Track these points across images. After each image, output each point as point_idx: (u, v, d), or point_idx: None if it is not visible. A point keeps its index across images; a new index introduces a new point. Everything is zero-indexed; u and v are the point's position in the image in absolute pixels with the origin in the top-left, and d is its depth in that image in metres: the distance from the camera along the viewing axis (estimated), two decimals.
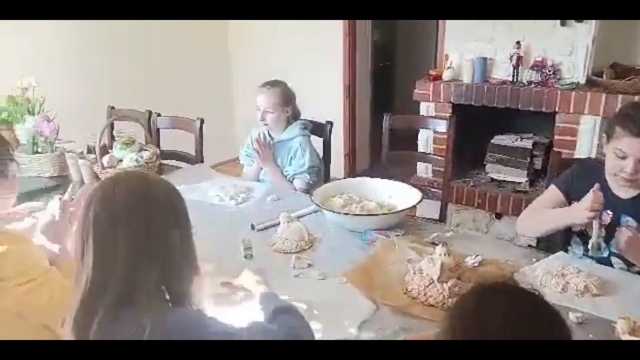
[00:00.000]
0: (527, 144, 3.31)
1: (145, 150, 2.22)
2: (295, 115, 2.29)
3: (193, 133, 2.58)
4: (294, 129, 2.23)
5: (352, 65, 3.96)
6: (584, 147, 2.84)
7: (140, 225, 0.89)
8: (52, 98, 2.40)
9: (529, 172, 3.28)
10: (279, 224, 1.65)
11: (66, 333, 0.90)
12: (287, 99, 2.22)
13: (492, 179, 3.40)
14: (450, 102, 3.20)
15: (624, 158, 1.38)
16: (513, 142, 3.34)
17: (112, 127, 2.71)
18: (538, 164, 3.31)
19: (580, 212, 1.42)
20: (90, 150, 2.22)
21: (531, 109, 2.94)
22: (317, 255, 1.53)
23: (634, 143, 1.34)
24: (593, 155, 2.81)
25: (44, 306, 1.11)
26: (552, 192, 1.59)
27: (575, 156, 2.86)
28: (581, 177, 1.55)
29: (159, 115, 2.68)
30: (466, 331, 0.72)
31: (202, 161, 2.54)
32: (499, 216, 3.33)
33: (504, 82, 3.05)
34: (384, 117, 2.42)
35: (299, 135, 2.22)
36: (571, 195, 1.55)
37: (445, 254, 1.33)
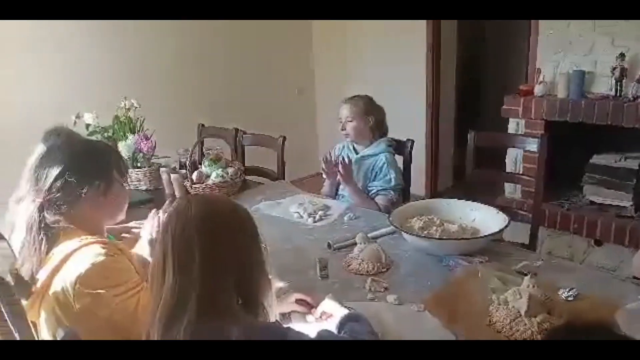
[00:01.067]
0: (632, 164, 3.00)
1: (231, 166, 2.32)
2: (382, 130, 2.27)
3: (275, 150, 2.65)
4: (380, 144, 2.22)
5: (435, 81, 3.86)
6: None
7: (213, 242, 0.94)
8: (151, 117, 2.60)
9: (635, 195, 2.97)
10: (355, 244, 1.63)
11: None
12: (368, 109, 2.22)
13: (591, 202, 3.12)
14: (543, 118, 3.00)
15: None
16: (615, 162, 3.04)
17: (202, 143, 2.88)
18: None
19: None
20: (182, 166, 2.37)
21: (637, 126, 2.66)
22: (394, 279, 1.48)
23: None
24: None
25: (137, 317, 1.15)
26: None
27: None
28: None
29: (244, 133, 2.80)
30: None
31: (283, 177, 2.60)
32: (598, 243, 3.04)
33: (605, 97, 2.80)
34: (469, 134, 2.32)
35: (385, 151, 2.20)
36: None
37: (534, 286, 1.23)
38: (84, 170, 1.23)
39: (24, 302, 1.17)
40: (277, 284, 1.07)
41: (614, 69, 2.76)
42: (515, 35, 4.40)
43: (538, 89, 3.04)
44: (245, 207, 1.05)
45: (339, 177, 2.16)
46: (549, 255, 2.97)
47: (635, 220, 2.86)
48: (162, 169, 2.39)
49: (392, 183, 2.15)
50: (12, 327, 1.05)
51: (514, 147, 3.05)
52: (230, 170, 2.27)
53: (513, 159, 3.23)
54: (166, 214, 1.00)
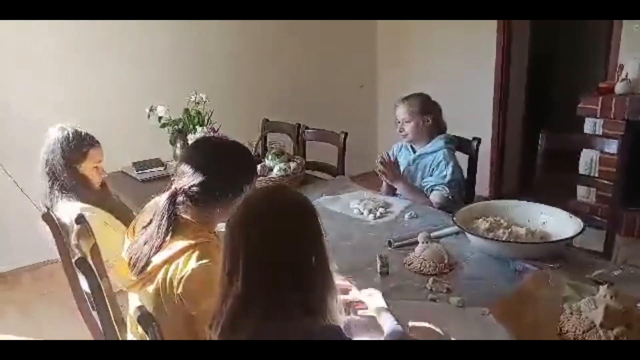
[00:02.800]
0: None
1: (293, 161, 2.36)
2: (440, 128, 2.22)
3: (336, 145, 2.66)
4: (438, 142, 2.17)
5: (504, 79, 3.70)
6: None
7: (281, 237, 0.94)
8: (218, 111, 2.69)
9: None
10: (417, 242, 1.60)
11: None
12: (426, 107, 2.17)
13: None
14: (624, 118, 2.79)
15: None
16: None
17: (265, 138, 2.94)
18: None
19: None
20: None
21: None
22: (457, 281, 1.44)
23: None
24: None
25: None
26: None
27: None
28: None
29: (306, 128, 2.83)
30: None
31: (343, 173, 2.61)
32: None
33: None
34: (540, 135, 2.21)
35: (443, 147, 2.15)
36: None
37: (612, 296, 1.15)
38: (228, 178, 1.27)
39: (132, 277, 1.23)
40: (338, 281, 1.05)
41: None
42: (591, 31, 4.14)
43: (619, 87, 2.83)
44: (309, 199, 1.04)
45: (383, 178, 2.14)
46: (625, 264, 2.79)
47: None
48: None
49: (448, 179, 2.08)
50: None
51: (589, 148, 2.88)
52: (292, 164, 2.30)
53: (587, 161, 3.03)
54: (235, 210, 1.00)
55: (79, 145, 1.76)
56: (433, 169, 2.15)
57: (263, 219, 0.95)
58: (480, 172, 2.38)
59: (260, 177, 2.22)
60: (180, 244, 1.21)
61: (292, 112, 3.24)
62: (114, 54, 3.17)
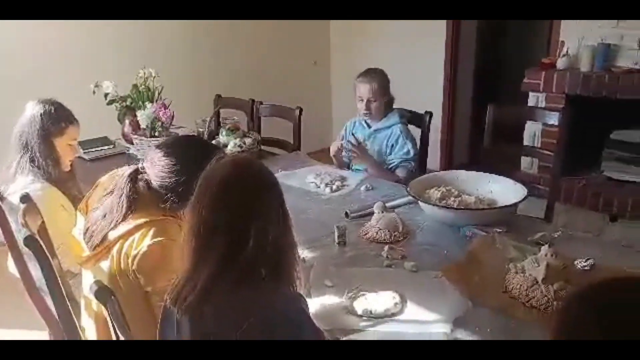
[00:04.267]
0: None
1: (248, 137, 2.33)
2: (390, 103, 2.26)
3: (291, 121, 2.66)
4: (393, 116, 2.21)
5: (454, 54, 3.80)
6: None
7: (243, 201, 0.94)
8: (168, 87, 2.61)
9: None
10: (373, 213, 1.64)
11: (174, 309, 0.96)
12: (386, 85, 2.21)
13: (609, 178, 3.08)
14: (564, 92, 2.94)
15: None
16: (638, 138, 2.99)
17: (219, 114, 2.89)
18: None
19: None
20: (199, 135, 2.39)
21: None
22: (411, 248, 1.50)
23: None
24: None
25: None
26: None
27: None
28: None
29: (261, 103, 2.80)
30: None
31: (299, 149, 2.61)
32: (614, 219, 3.02)
33: (630, 71, 2.73)
34: (488, 108, 2.29)
35: (398, 122, 2.20)
36: None
37: (552, 255, 1.24)
38: (194, 174, 1.17)
39: (86, 252, 1.21)
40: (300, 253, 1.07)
41: None
42: None
43: (560, 62, 2.98)
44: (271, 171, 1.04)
45: (353, 159, 2.17)
46: (564, 228, 2.98)
47: None
48: None
49: (411, 154, 2.15)
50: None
51: (533, 120, 3.02)
52: (247, 140, 2.28)
53: (531, 134, 3.19)
54: (203, 175, 0.99)
55: (59, 119, 1.72)
56: (392, 145, 2.20)
57: (229, 190, 0.95)
58: (431, 145, 2.45)
59: None
60: (138, 220, 1.19)
61: (246, 88, 3.19)
62: (56, 27, 2.99)
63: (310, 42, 4.33)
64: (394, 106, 2.29)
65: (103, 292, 0.97)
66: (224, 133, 2.28)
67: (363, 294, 1.24)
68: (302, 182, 2.08)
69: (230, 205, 0.94)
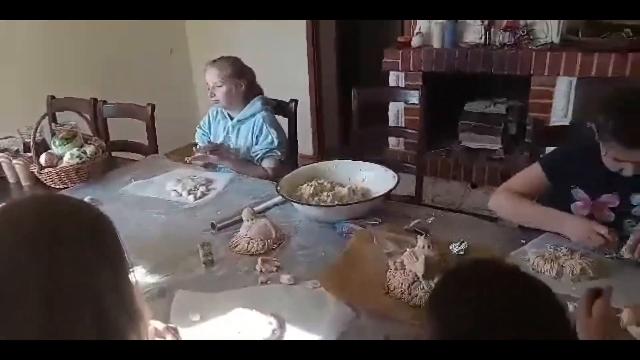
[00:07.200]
0: (501, 109, 3.20)
1: (90, 144, 1.99)
2: (254, 92, 2.10)
3: (144, 120, 2.34)
4: (255, 104, 2.05)
5: (315, 40, 3.74)
6: (560, 111, 2.74)
7: (52, 261, 0.69)
8: None
9: (504, 138, 3.18)
10: (241, 221, 1.47)
11: None
12: (238, 71, 2.03)
13: (467, 148, 3.29)
14: (421, 70, 3.04)
15: (620, 162, 1.22)
16: (486, 108, 3.22)
17: (54, 119, 2.45)
18: (512, 129, 3.22)
19: (579, 231, 1.25)
20: (27, 148, 1.98)
21: (505, 72, 2.81)
22: (287, 256, 1.36)
23: (631, 154, 1.18)
24: (569, 117, 2.72)
25: None
26: (535, 172, 1.43)
27: (552, 119, 2.76)
28: (572, 160, 1.38)
29: (104, 103, 2.43)
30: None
31: (156, 151, 2.32)
32: (474, 186, 3.24)
33: (476, 46, 2.90)
34: (352, 91, 2.25)
35: (261, 110, 2.04)
36: (556, 179, 1.41)
37: (429, 246, 1.19)
38: None
39: None
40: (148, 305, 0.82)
41: None
42: None
43: (415, 41, 3.06)
44: (97, 208, 0.76)
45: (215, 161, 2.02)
46: (432, 202, 3.12)
47: (505, 163, 3.07)
48: (0, 153, 1.97)
49: (276, 142, 2.01)
50: None
51: (395, 101, 3.08)
52: (89, 148, 1.94)
53: (395, 112, 3.26)
54: None
55: None
56: (257, 136, 2.04)
57: (33, 244, 0.67)
58: (302, 132, 2.35)
59: (48, 169, 1.83)
60: None
61: (86, 86, 2.75)
62: None
63: (163, 28, 3.93)
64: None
65: None
66: (57, 143, 1.91)
67: (236, 327, 1.07)
68: (160, 192, 1.82)
69: (37, 263, 0.67)
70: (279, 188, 1.59)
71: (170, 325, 0.97)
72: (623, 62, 2.46)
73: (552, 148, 1.53)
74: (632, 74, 2.45)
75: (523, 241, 1.37)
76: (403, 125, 3.20)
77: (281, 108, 2.22)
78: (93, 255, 0.70)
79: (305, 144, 3.56)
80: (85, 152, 1.90)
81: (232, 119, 2.09)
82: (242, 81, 2.03)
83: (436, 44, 3.01)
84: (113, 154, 2.24)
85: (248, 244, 1.39)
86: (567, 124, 2.61)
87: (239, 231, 1.45)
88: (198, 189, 1.80)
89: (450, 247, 1.34)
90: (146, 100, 2.38)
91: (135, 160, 2.26)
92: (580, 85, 2.66)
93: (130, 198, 1.79)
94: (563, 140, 1.56)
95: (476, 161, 3.18)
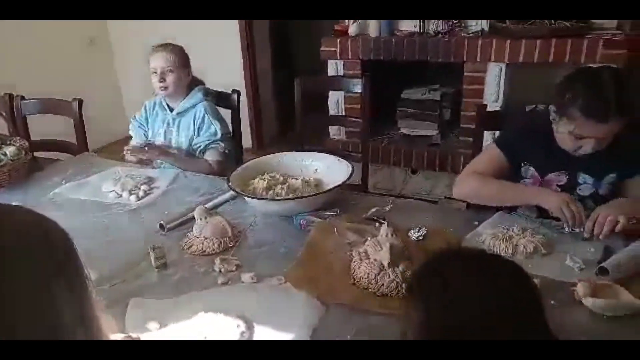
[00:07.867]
0: (435, 95, 3.28)
1: (10, 144, 1.79)
2: (193, 82, 2.00)
3: (71, 117, 2.15)
4: (196, 95, 1.96)
5: (249, 30, 3.64)
6: (491, 95, 2.86)
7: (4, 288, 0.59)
8: None
9: (440, 124, 3.28)
10: (193, 220, 1.39)
11: None
12: (185, 60, 1.94)
13: (405, 135, 3.36)
14: (359, 58, 3.04)
15: (581, 138, 1.27)
16: (422, 95, 3.29)
17: None
18: (447, 115, 3.32)
19: (557, 201, 1.27)
20: None
21: (440, 59, 2.88)
22: (246, 253, 1.30)
23: (598, 127, 1.23)
24: (500, 102, 2.84)
25: None
26: (494, 153, 1.46)
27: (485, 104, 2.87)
28: (524, 139, 1.43)
29: (22, 98, 2.20)
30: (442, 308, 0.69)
31: (86, 149, 2.15)
32: (414, 172, 3.32)
33: (412, 34, 2.95)
34: (295, 80, 2.20)
35: (202, 100, 1.95)
36: (516, 156, 1.45)
37: (392, 234, 1.19)
38: None
39: None
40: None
41: None
42: None
43: (352, 29, 3.05)
44: (54, 222, 0.65)
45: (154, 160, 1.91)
46: (374, 189, 3.17)
47: (442, 148, 3.17)
48: None
49: (219, 133, 1.93)
50: None
51: (335, 90, 3.07)
52: (9, 149, 1.75)
53: (335, 101, 3.25)
54: None
55: None
56: (200, 127, 1.93)
57: None
58: (242, 124, 2.27)
59: None
60: None
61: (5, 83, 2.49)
62: None
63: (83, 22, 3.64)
64: None
65: None
66: None
67: (201, 332, 1.00)
68: (96, 193, 1.68)
69: None
70: (230, 183, 1.52)
71: (131, 335, 0.89)
72: (547, 48, 2.61)
73: (492, 132, 1.58)
74: (555, 58, 2.60)
75: (476, 223, 1.41)
76: (343, 114, 3.20)
77: (222, 99, 2.13)
78: (48, 273, 0.61)
79: (245, 138, 3.47)
80: (5, 154, 1.70)
81: (171, 110, 1.97)
82: (188, 70, 1.93)
83: (373, 32, 3.02)
84: (35, 154, 2.03)
85: (203, 244, 1.31)
86: (499, 108, 2.74)
87: (191, 231, 1.37)
88: (139, 188, 1.68)
89: (410, 234, 1.34)
90: (65, 94, 2.19)
91: (60, 160, 2.08)
92: (510, 71, 2.79)
93: (64, 202, 1.64)
94: (506, 124, 1.62)
95: (415, 147, 3.25)
